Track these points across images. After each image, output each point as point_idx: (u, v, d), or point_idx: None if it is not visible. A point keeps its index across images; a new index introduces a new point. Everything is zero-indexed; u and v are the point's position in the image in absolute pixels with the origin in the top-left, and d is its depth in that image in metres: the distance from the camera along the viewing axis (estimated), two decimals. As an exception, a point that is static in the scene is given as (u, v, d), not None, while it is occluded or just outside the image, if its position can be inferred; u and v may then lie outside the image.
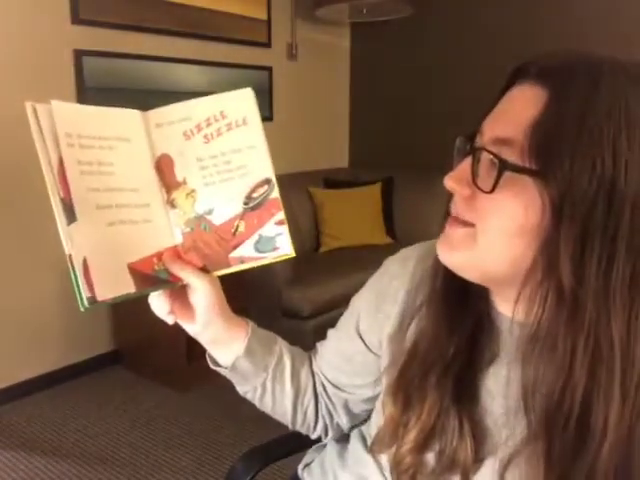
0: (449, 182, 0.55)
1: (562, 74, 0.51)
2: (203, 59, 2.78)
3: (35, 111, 0.55)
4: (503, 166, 0.50)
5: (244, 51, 2.98)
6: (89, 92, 2.35)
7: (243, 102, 0.64)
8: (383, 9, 2.95)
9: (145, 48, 2.55)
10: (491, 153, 0.52)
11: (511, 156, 0.51)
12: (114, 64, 2.45)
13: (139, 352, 2.55)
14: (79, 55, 2.32)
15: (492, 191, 0.51)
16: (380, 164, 3.46)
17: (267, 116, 3.12)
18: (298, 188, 2.99)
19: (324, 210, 3.04)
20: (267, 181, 0.64)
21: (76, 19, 2.29)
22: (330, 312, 2.44)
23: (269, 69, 3.13)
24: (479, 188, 0.52)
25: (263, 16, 3.04)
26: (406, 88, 3.41)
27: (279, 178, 0.65)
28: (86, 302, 0.55)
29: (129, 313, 2.42)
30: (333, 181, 3.23)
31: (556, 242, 0.49)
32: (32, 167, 2.36)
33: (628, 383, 0.49)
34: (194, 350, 2.09)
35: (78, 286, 0.55)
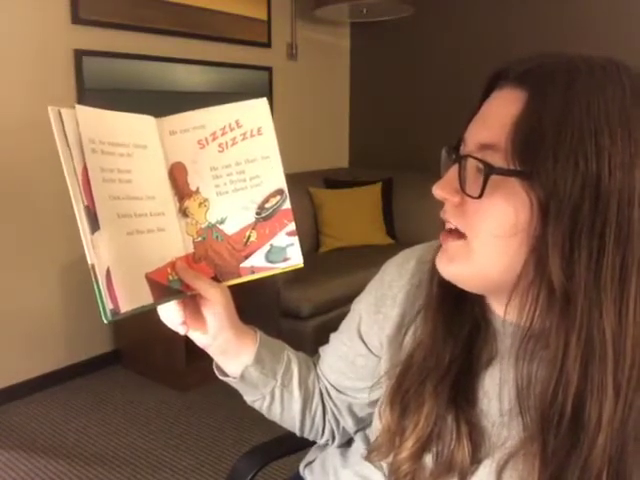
0: (438, 191, 0.56)
1: (540, 75, 0.51)
2: (203, 59, 2.78)
3: (60, 115, 0.53)
4: (489, 170, 0.51)
5: (244, 51, 2.98)
6: (89, 92, 2.35)
7: (258, 112, 0.64)
8: (383, 9, 2.95)
9: (145, 48, 2.55)
10: (476, 159, 0.52)
11: (496, 160, 0.51)
12: (114, 64, 2.45)
13: (139, 352, 2.56)
14: (79, 55, 2.32)
15: (480, 196, 0.51)
16: (380, 164, 3.46)
17: (267, 116, 3.12)
18: (298, 188, 2.99)
19: (324, 210, 3.05)
20: (280, 192, 0.64)
21: (76, 19, 2.29)
22: (330, 312, 2.44)
23: (269, 69, 3.13)
24: (468, 194, 0.53)
25: (263, 16, 3.04)
26: (406, 88, 3.41)
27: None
28: (109, 315, 0.54)
29: (129, 313, 2.42)
30: (333, 181, 3.23)
31: (545, 240, 0.49)
32: (33, 168, 2.36)
33: (620, 377, 0.50)
34: (194, 350, 2.09)
35: (101, 298, 0.53)
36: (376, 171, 3.27)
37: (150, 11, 2.53)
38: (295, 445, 0.93)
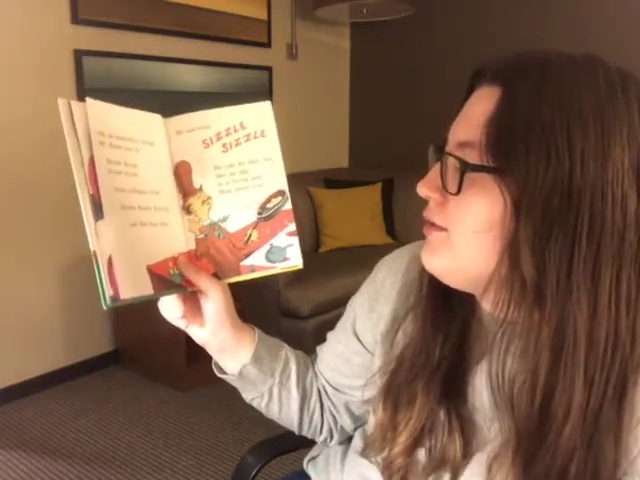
0: (421, 189, 0.57)
1: (513, 71, 0.52)
2: (203, 59, 2.78)
3: (70, 108, 0.55)
4: (464, 167, 0.52)
5: (244, 51, 2.98)
6: (89, 92, 2.35)
7: (262, 115, 0.66)
8: (383, 9, 2.95)
9: (145, 48, 2.55)
10: (454, 157, 0.53)
11: (472, 157, 0.52)
12: (114, 64, 2.45)
13: (139, 352, 2.56)
14: (79, 55, 2.33)
15: (458, 193, 0.52)
16: (380, 164, 3.46)
17: (267, 116, 3.12)
18: (298, 188, 2.99)
19: (324, 210, 3.05)
20: (281, 193, 0.65)
21: (76, 19, 2.30)
22: (329, 312, 2.44)
23: (269, 69, 3.13)
24: (448, 192, 0.54)
25: (263, 16, 3.04)
26: (406, 88, 3.41)
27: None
28: (109, 301, 0.55)
29: (129, 313, 2.42)
30: (333, 181, 3.23)
31: (517, 235, 0.50)
32: (34, 168, 2.36)
33: (592, 367, 0.50)
34: (194, 350, 2.09)
35: (102, 284, 0.55)
36: (376, 171, 3.27)
37: (150, 11, 2.53)
38: (301, 441, 0.93)
